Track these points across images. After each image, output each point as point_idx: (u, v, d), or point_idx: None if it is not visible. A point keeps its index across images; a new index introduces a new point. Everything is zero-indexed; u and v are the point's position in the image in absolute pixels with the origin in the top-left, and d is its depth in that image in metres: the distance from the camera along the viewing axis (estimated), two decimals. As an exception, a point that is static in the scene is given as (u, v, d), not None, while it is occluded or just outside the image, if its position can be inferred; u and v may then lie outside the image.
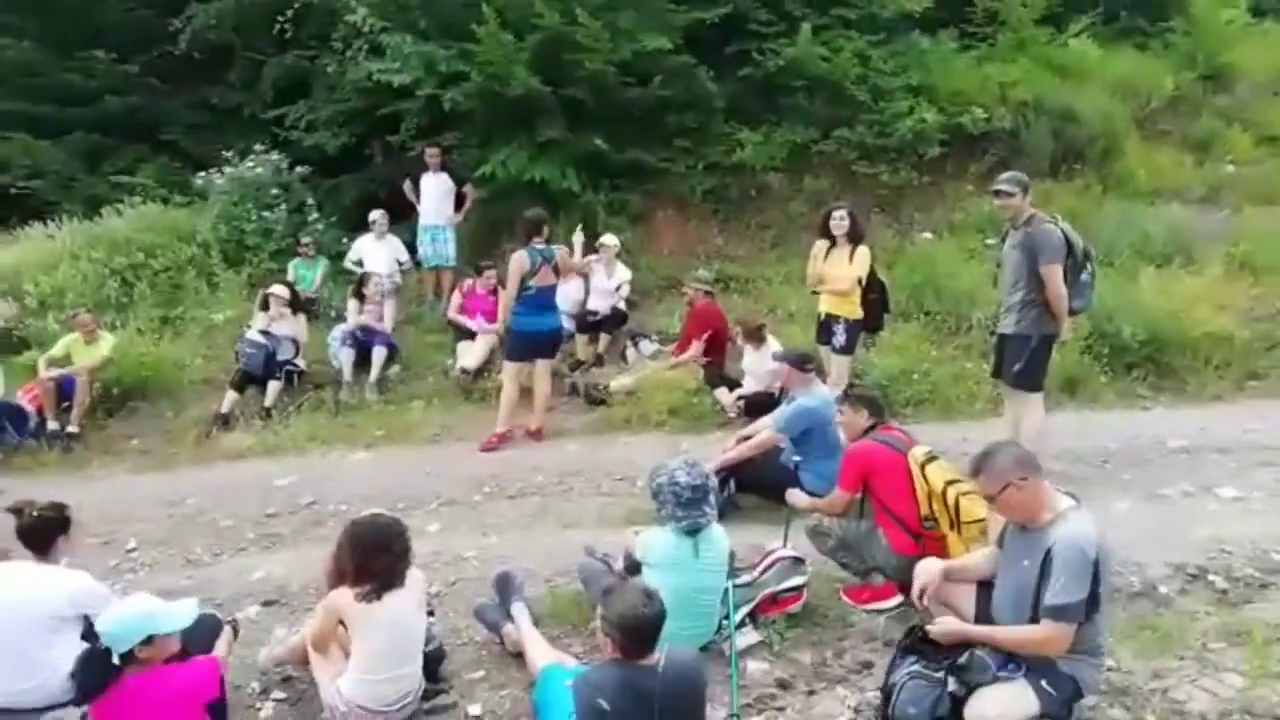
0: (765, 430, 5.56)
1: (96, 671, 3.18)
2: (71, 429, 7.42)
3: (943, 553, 4.08)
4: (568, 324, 8.63)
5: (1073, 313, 5.48)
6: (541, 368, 7.19)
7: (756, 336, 7.22)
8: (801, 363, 5.50)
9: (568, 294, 8.72)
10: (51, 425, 7.41)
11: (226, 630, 3.86)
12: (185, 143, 11.58)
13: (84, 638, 3.86)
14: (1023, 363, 5.40)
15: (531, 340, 7.06)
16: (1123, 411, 7.28)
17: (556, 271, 7.04)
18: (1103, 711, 3.54)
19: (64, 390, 7.53)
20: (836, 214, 6.66)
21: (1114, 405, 7.38)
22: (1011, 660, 3.23)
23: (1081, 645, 3.18)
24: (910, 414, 7.05)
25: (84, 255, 9.27)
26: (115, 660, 3.18)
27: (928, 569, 3.62)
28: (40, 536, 3.88)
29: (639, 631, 3.06)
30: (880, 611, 4.31)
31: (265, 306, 8.29)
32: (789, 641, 4.14)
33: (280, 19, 10.65)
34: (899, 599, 4.31)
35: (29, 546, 3.89)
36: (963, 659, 3.27)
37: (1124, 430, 6.75)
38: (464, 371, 8.24)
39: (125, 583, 4.97)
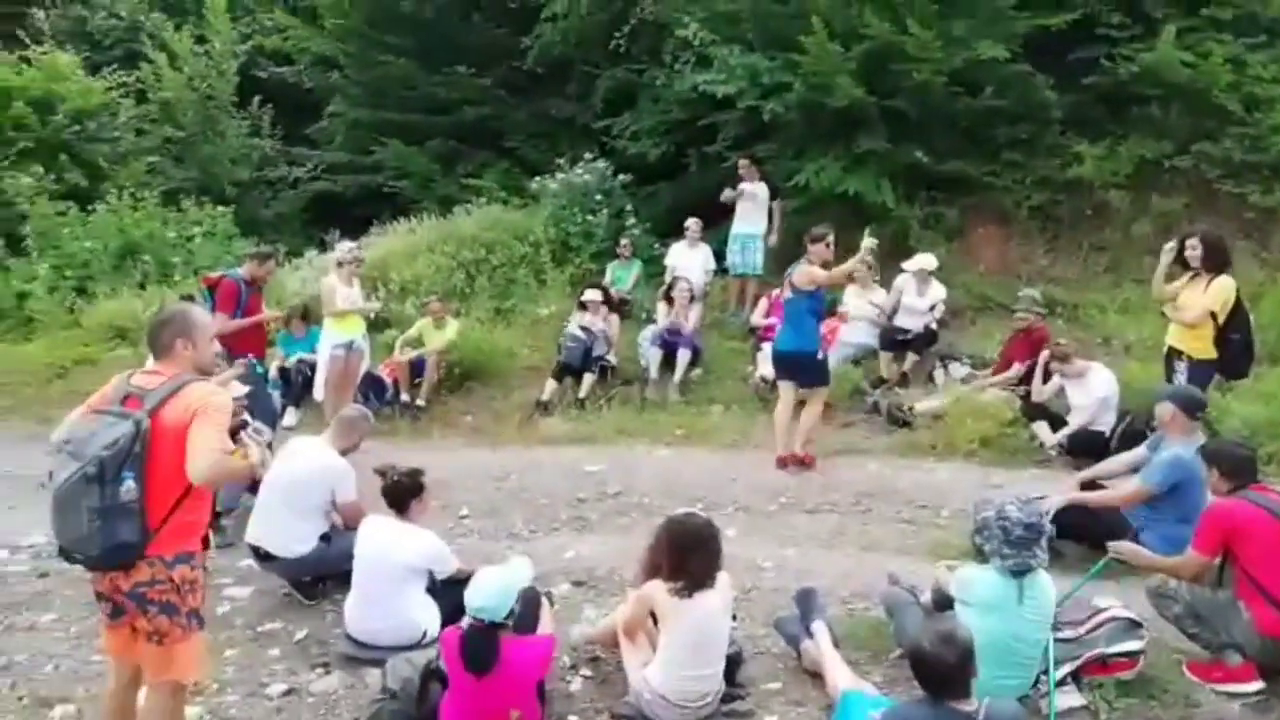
0: (1133, 482, 4.92)
1: (487, 644, 3.51)
2: (420, 402, 8.42)
3: (1321, 640, 3.51)
4: (871, 339, 8.43)
5: None
6: (802, 392, 6.74)
7: (1064, 360, 6.68)
8: (1192, 407, 4.83)
9: (860, 307, 8.50)
10: (403, 397, 8.46)
11: (546, 605, 4.15)
12: (524, 149, 12.67)
13: (428, 591, 4.37)
14: None
15: (773, 358, 7.00)
16: None
17: (792, 287, 6.63)
18: None
19: (416, 368, 8.56)
20: (1189, 241, 5.93)
21: None
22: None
23: None
24: (1274, 473, 6.08)
25: (437, 249, 10.47)
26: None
27: None
28: (400, 497, 4.43)
29: (926, 671, 2.93)
30: (1234, 695, 3.78)
31: (583, 306, 8.88)
32: (1119, 711, 3.74)
33: (616, 35, 11.35)
34: (1260, 685, 3.76)
35: (390, 504, 4.45)
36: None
37: None
38: (763, 380, 8.30)
39: (457, 546, 5.43)
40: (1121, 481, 5.16)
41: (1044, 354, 6.98)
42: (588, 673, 4.18)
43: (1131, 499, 4.82)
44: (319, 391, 7.65)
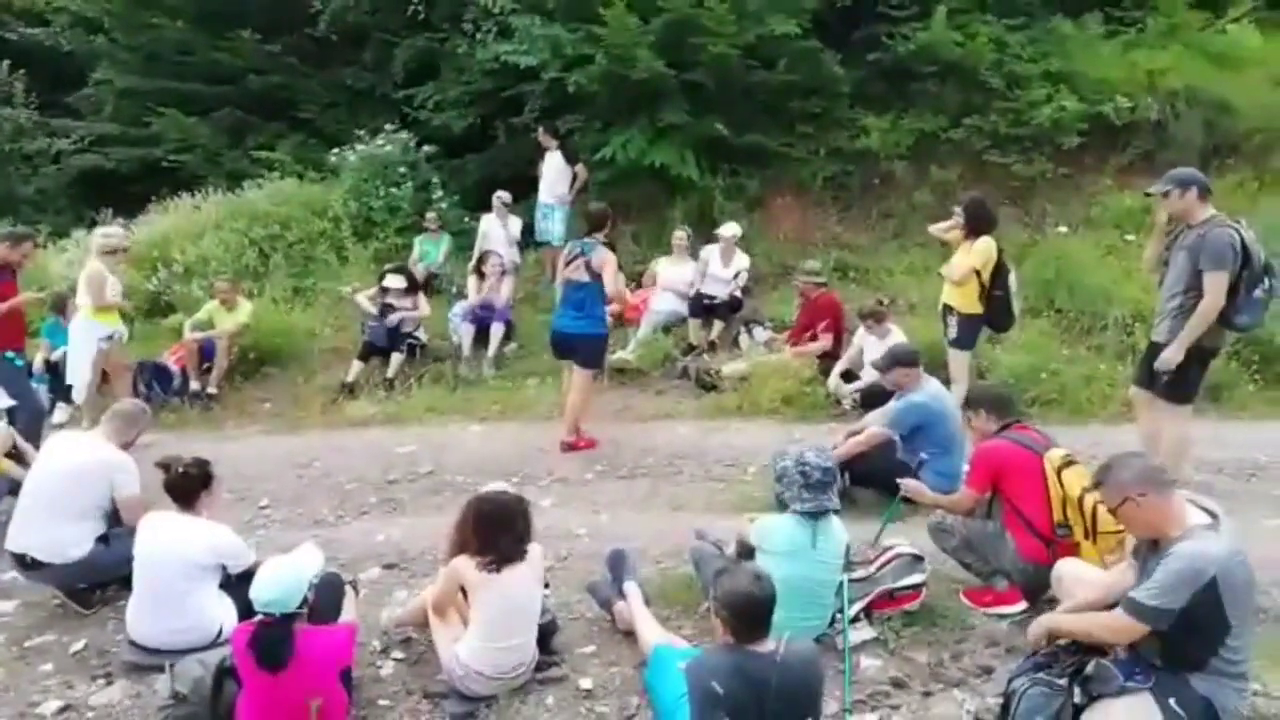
0: (874, 426, 5.47)
1: (280, 638, 3.32)
2: (211, 390, 7.87)
3: (1075, 560, 3.91)
4: (680, 307, 8.64)
5: (1235, 329, 5.08)
6: (576, 373, 6.56)
7: (880, 321, 7.07)
8: (908, 361, 5.41)
9: (682, 276, 8.72)
10: (193, 385, 7.89)
11: (350, 592, 4.00)
12: (320, 121, 12.00)
13: (222, 587, 4.11)
14: (1174, 373, 5.06)
15: (553, 338, 6.68)
16: (1274, 422, 6.80)
17: (590, 271, 6.27)
18: (1247, 739, 3.32)
19: (205, 353, 8.00)
20: (955, 208, 6.44)
21: (1264, 416, 6.90)
22: (1139, 671, 3.05)
23: (1221, 667, 2.99)
24: (1036, 414, 6.73)
25: (226, 226, 9.79)
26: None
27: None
28: (185, 490, 4.11)
29: (748, 612, 3.04)
30: (1003, 617, 4.15)
31: (384, 290, 8.49)
32: (905, 640, 4.03)
33: (415, 1, 10.92)
34: (1023, 605, 4.14)
35: (174, 499, 4.12)
36: (1089, 668, 3.12)
37: (1275, 442, 6.29)
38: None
39: (258, 538, 5.18)
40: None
41: (860, 328, 7.31)
42: (399, 655, 4.07)
43: (869, 441, 5.39)
44: (81, 393, 6.96)
